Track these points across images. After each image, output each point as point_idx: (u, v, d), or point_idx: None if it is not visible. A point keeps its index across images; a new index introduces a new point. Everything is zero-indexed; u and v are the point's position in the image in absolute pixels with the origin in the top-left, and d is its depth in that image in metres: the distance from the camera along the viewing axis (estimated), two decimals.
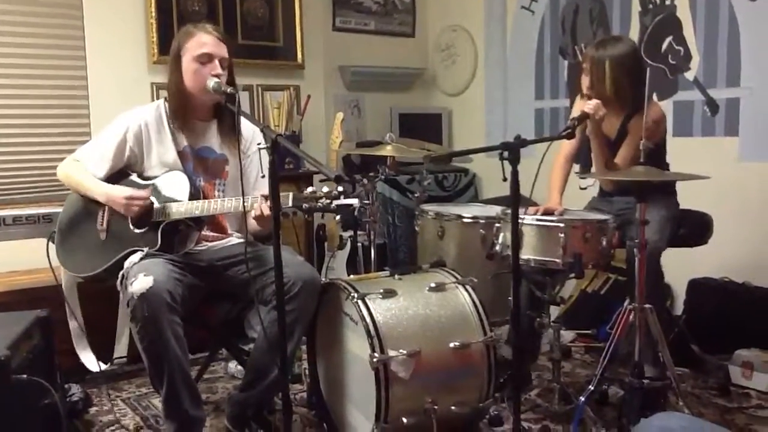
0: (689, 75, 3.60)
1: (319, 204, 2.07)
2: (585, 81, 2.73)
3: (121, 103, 3.31)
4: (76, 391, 2.77)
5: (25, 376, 1.90)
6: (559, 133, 2.33)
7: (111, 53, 3.69)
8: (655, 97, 3.64)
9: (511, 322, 2.20)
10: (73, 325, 2.76)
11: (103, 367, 2.77)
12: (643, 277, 2.32)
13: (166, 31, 3.77)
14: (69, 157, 2.59)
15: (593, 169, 2.86)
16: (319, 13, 4.52)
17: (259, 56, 4.18)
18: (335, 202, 2.05)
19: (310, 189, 2.11)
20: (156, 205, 2.40)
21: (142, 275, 2.17)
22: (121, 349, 2.91)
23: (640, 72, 2.64)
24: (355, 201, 2.06)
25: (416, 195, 3.26)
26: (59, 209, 2.67)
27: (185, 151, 2.52)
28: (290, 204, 2.10)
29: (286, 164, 4.06)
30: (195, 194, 2.40)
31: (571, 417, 2.51)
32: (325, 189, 2.08)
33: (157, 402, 2.85)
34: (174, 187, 2.42)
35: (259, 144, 1.91)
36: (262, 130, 1.93)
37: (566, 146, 2.89)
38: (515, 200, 2.03)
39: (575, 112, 2.73)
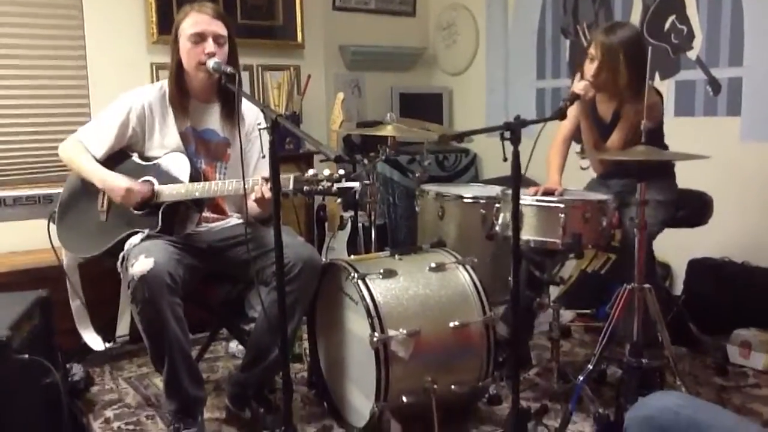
0: (692, 54, 3.57)
1: (320, 187, 2.06)
2: (590, 68, 2.64)
3: (120, 84, 3.31)
4: (77, 370, 2.79)
5: (26, 355, 1.90)
6: (551, 114, 2.33)
7: (110, 33, 3.66)
8: (657, 78, 3.63)
9: (511, 302, 2.20)
10: (75, 304, 2.77)
11: (106, 345, 2.78)
12: (643, 257, 2.32)
13: (165, 11, 3.74)
14: (71, 136, 2.58)
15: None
16: None
17: (258, 36, 4.15)
18: (336, 185, 2.04)
19: (311, 171, 2.10)
20: (156, 186, 2.40)
21: (143, 257, 2.18)
22: (122, 328, 2.93)
23: (643, 57, 2.62)
24: (356, 184, 2.05)
25: (417, 175, 3.26)
26: (59, 190, 2.67)
27: (187, 132, 2.51)
28: (291, 187, 2.10)
29: (287, 144, 4.05)
30: (195, 176, 2.40)
31: (569, 396, 2.52)
32: (327, 171, 2.07)
33: (158, 381, 2.86)
34: (175, 169, 2.41)
35: (259, 124, 1.90)
36: (262, 110, 1.92)
37: (563, 127, 2.87)
38: (516, 180, 2.02)
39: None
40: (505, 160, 2.00)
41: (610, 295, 3.41)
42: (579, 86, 2.57)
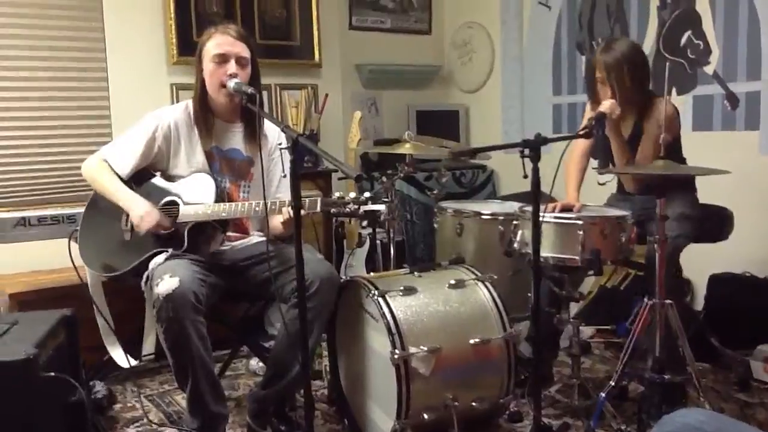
0: (709, 69, 3.57)
1: (347, 209, 2.08)
2: (606, 91, 2.69)
3: (141, 104, 3.36)
4: (100, 388, 2.82)
5: (52, 373, 1.93)
6: (576, 132, 2.33)
7: (131, 54, 3.72)
8: (675, 93, 3.62)
9: (532, 319, 2.21)
10: (101, 322, 2.80)
11: (133, 363, 2.80)
12: (663, 273, 2.31)
13: (185, 32, 3.80)
14: (95, 154, 2.61)
15: (611, 166, 2.86)
16: (336, 11, 4.53)
17: (276, 56, 4.19)
18: (363, 208, 2.06)
19: (337, 194, 2.14)
20: (182, 207, 2.43)
21: (168, 276, 2.20)
22: (148, 347, 2.94)
23: (646, 68, 2.65)
24: (382, 207, 2.07)
25: (434, 192, 3.27)
26: (83, 209, 2.70)
27: (213, 151, 2.55)
28: (318, 209, 2.13)
29: (306, 162, 4.08)
30: (220, 197, 2.43)
31: (590, 412, 2.51)
32: (353, 194, 2.10)
33: (180, 398, 2.88)
34: (200, 189, 2.44)
35: (280, 144, 1.94)
36: (282, 130, 1.95)
37: (581, 142, 2.88)
38: (536, 197, 2.03)
39: (586, 117, 2.72)
40: (526, 177, 2.00)
41: (630, 310, 3.41)
42: (605, 105, 2.58)
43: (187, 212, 2.41)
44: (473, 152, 2.29)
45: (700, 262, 3.34)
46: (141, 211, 2.41)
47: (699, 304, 3.54)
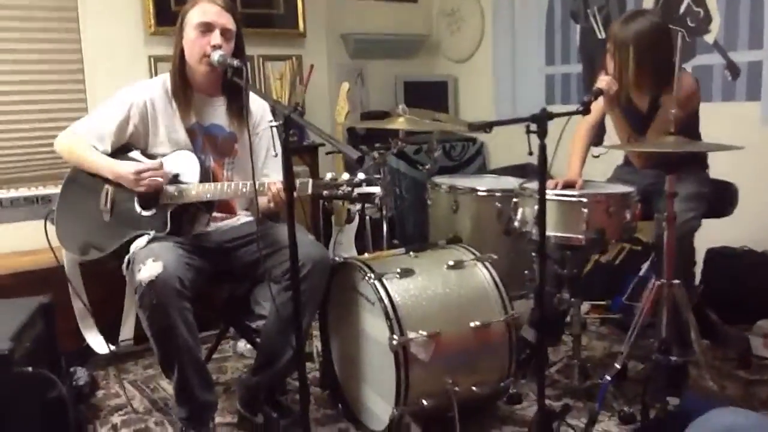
0: (709, 38, 3.46)
1: (340, 192, 1.98)
2: (610, 65, 2.57)
3: (117, 77, 3.23)
4: (81, 374, 2.70)
5: (29, 368, 1.82)
6: (576, 108, 2.22)
7: (106, 25, 3.55)
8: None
9: (536, 302, 2.12)
10: (78, 306, 2.69)
11: (111, 348, 2.70)
12: (672, 252, 2.23)
13: (163, 1, 3.63)
14: (67, 129, 2.45)
15: (605, 141, 2.77)
16: None
17: (258, 25, 4.02)
18: (357, 190, 1.96)
19: (329, 175, 2.03)
20: (165, 186, 2.29)
21: (151, 261, 2.08)
22: (126, 332, 2.84)
23: (668, 46, 2.50)
24: (377, 189, 1.97)
25: (427, 167, 3.15)
26: (58, 190, 2.56)
27: (194, 128, 2.41)
28: (309, 192, 2.02)
29: (291, 137, 3.93)
30: (205, 175, 2.30)
31: (591, 393, 2.44)
32: (346, 176, 1.99)
33: (166, 384, 2.79)
34: (183, 169, 2.31)
35: (270, 121, 1.81)
36: (272, 106, 1.82)
37: (589, 116, 2.77)
38: (542, 174, 1.94)
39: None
40: (531, 153, 1.90)
41: (625, 285, 3.35)
42: (603, 81, 2.49)
43: (170, 192, 2.28)
44: (490, 125, 2.15)
45: (697, 236, 3.26)
46: (132, 174, 2.25)
47: (696, 279, 3.47)
